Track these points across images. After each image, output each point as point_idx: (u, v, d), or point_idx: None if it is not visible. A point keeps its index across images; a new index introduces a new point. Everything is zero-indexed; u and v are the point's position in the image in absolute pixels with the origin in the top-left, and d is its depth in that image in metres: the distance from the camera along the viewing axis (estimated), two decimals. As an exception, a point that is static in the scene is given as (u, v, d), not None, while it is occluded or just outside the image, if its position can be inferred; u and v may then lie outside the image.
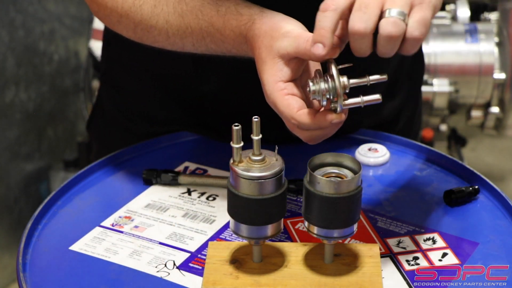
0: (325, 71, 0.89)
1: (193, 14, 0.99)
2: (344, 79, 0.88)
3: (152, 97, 1.25)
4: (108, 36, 1.30)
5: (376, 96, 0.89)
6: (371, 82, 0.89)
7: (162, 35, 1.02)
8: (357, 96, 0.89)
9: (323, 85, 0.88)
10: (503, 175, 2.99)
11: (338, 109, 0.89)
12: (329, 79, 0.88)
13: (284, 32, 0.91)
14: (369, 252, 0.94)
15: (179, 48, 1.03)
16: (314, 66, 0.94)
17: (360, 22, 0.84)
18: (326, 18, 0.86)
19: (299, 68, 0.92)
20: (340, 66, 0.88)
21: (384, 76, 0.89)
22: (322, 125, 0.90)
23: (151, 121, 1.26)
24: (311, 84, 0.88)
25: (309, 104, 0.92)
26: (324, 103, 0.89)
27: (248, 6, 0.97)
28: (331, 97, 0.88)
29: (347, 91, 0.88)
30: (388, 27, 0.83)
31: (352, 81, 0.88)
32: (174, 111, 1.24)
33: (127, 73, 1.27)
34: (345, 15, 0.87)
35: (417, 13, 0.85)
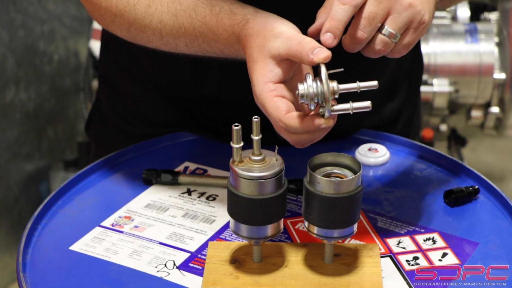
0: (316, 75, 0.89)
1: (186, 13, 0.99)
2: (333, 84, 0.87)
3: (150, 99, 1.25)
4: (106, 38, 1.30)
5: (366, 104, 0.88)
6: (361, 89, 0.88)
7: (155, 34, 1.02)
8: (347, 102, 0.88)
9: (311, 89, 0.87)
10: (503, 175, 2.99)
11: (326, 114, 0.88)
12: (319, 83, 0.87)
13: (277, 32, 0.91)
14: (369, 252, 0.94)
15: (172, 48, 1.03)
16: (306, 69, 0.94)
17: (364, 31, 0.89)
18: (343, 11, 0.88)
19: (290, 70, 0.92)
20: (331, 71, 0.88)
21: (375, 83, 0.88)
22: (309, 129, 0.89)
23: (149, 123, 1.26)
24: (300, 87, 0.87)
25: (298, 107, 0.91)
26: (312, 107, 0.88)
27: (242, 6, 0.97)
28: (320, 102, 0.87)
29: (336, 96, 0.88)
30: (379, 45, 0.91)
31: (342, 86, 0.88)
32: (172, 113, 1.24)
33: (125, 75, 1.27)
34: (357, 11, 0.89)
35: (408, 38, 0.91)
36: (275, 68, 0.91)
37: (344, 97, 0.89)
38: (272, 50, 0.90)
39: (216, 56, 1.01)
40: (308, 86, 0.87)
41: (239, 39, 0.95)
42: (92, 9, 1.07)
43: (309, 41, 0.89)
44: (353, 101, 0.88)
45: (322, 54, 0.87)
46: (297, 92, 0.88)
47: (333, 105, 0.88)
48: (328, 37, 0.88)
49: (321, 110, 0.88)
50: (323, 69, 0.87)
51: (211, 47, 0.99)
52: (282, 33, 0.91)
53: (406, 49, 0.92)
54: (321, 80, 0.87)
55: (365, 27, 0.89)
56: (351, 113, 0.88)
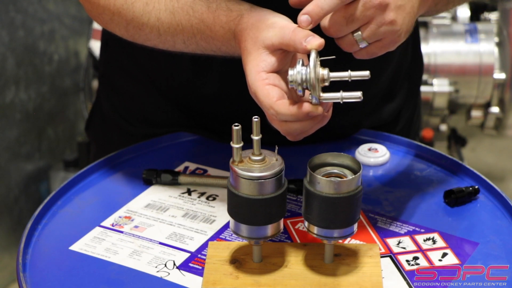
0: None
1: (184, 11, 0.99)
2: (324, 72, 0.86)
3: (150, 99, 1.25)
4: (106, 38, 1.30)
5: (357, 94, 0.87)
6: (352, 78, 0.87)
7: (153, 32, 1.02)
8: (337, 91, 0.88)
9: (299, 75, 0.87)
10: (503, 175, 2.99)
11: (313, 100, 0.87)
12: (308, 69, 0.86)
13: (269, 23, 0.92)
14: (369, 252, 0.94)
15: (170, 46, 1.03)
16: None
17: (338, 28, 0.90)
18: (330, 2, 0.88)
19: (284, 60, 0.92)
20: (322, 58, 0.87)
21: (366, 73, 0.87)
22: (299, 116, 0.88)
23: (149, 123, 1.26)
24: (290, 72, 0.87)
25: (292, 97, 0.91)
26: (300, 92, 0.87)
27: (239, 2, 0.97)
28: (308, 87, 0.87)
29: (326, 84, 0.87)
30: (344, 43, 0.92)
31: (332, 74, 0.87)
32: (172, 114, 1.24)
33: (125, 75, 1.27)
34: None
35: (375, 49, 0.92)
36: (268, 58, 0.91)
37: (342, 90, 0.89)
38: (266, 40, 0.91)
39: (214, 54, 1.01)
40: (297, 71, 0.87)
41: (235, 35, 0.95)
42: (90, 8, 1.07)
43: (302, 29, 0.89)
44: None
45: (315, 42, 0.88)
46: (287, 77, 0.88)
47: (323, 93, 0.87)
48: (304, 20, 0.89)
49: (310, 96, 0.88)
50: (312, 55, 0.87)
51: (209, 44, 0.99)
52: (275, 23, 0.91)
53: (368, 56, 0.92)
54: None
55: (341, 26, 0.90)
56: (341, 102, 0.87)
